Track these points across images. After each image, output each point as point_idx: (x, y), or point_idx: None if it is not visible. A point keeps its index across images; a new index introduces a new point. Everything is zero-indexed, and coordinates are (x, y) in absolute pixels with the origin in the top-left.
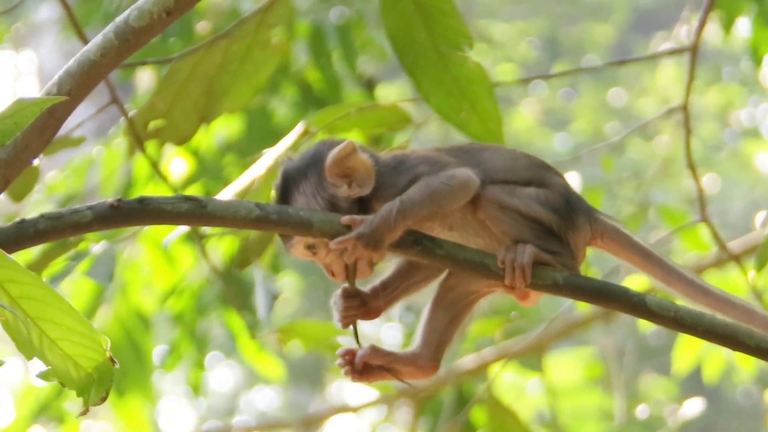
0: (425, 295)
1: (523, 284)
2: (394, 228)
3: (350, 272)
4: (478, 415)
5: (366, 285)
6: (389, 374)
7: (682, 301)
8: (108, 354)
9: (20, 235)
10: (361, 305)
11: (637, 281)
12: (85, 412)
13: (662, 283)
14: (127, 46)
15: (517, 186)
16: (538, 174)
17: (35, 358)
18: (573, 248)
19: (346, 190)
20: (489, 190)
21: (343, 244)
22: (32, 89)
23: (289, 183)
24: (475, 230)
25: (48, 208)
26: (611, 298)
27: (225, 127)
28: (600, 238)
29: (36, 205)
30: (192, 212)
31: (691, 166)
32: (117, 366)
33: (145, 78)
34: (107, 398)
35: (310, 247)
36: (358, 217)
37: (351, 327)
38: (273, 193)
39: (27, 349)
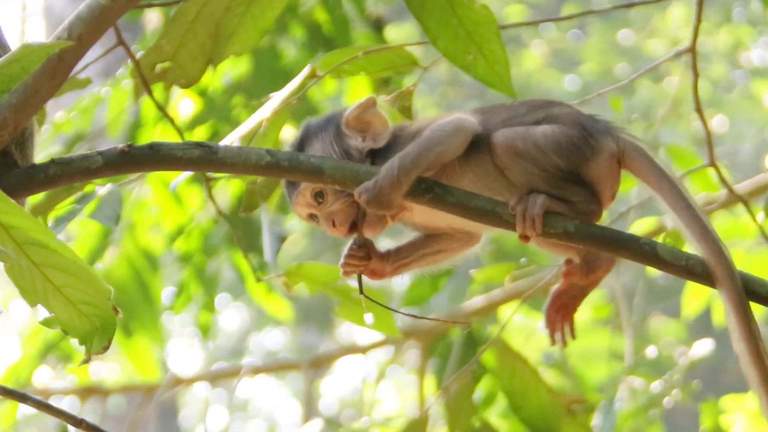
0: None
1: (534, 234)
2: (397, 183)
3: (359, 222)
4: (488, 357)
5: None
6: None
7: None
8: (112, 303)
9: (30, 181)
10: (366, 258)
11: (644, 225)
12: (87, 361)
13: (670, 209)
14: None
15: (530, 127)
16: (544, 111)
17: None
18: (595, 182)
19: (360, 143)
20: (500, 134)
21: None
22: (39, 31)
23: (309, 133)
24: (495, 188)
25: (55, 148)
26: (622, 246)
27: (233, 68)
28: (623, 155)
29: (43, 145)
30: (203, 158)
31: (699, 110)
32: (120, 315)
33: (154, 18)
34: (109, 347)
35: (317, 195)
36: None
37: (356, 276)
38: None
39: (31, 296)
